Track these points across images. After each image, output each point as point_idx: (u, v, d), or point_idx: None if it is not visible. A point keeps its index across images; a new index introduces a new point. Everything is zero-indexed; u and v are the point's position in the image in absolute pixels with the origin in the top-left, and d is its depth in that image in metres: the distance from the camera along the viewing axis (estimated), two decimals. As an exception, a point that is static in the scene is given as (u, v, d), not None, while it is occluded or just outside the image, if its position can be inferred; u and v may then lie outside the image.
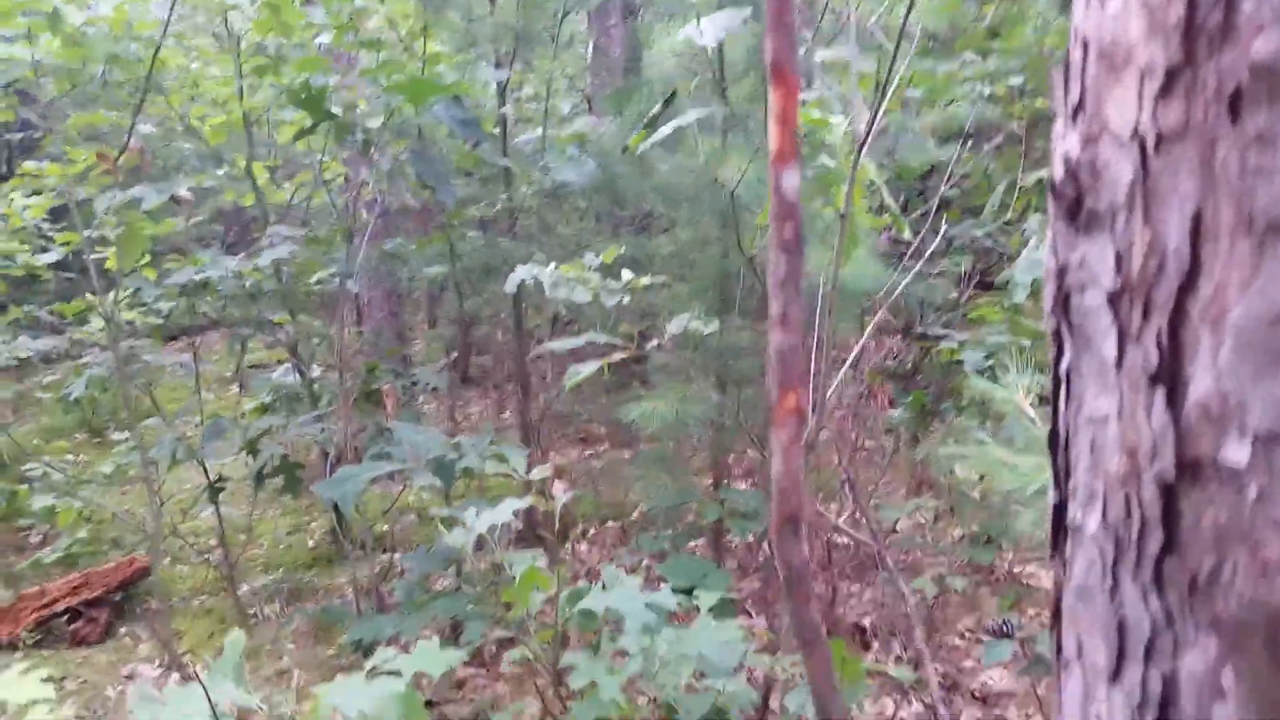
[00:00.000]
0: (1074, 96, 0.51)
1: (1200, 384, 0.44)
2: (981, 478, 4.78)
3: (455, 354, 5.12)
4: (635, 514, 4.51)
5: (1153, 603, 0.47)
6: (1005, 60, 3.19)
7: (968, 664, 3.73)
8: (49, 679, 3.75)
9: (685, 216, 3.36)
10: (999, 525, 3.83)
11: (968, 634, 3.82)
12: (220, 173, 4.33)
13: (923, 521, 4.32)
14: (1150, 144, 0.45)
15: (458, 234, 3.42)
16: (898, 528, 4.35)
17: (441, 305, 5.14)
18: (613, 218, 4.32)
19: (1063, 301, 0.52)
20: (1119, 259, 0.47)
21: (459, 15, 3.98)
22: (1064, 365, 0.55)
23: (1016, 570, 4.14)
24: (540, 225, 3.85)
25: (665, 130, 2.09)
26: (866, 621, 3.76)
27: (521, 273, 2.15)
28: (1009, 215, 3.52)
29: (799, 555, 0.59)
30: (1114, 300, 0.48)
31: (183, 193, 2.66)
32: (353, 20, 3.25)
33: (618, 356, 1.98)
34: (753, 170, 2.89)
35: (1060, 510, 0.57)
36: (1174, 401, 0.45)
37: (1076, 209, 0.50)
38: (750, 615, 3.73)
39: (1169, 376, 0.45)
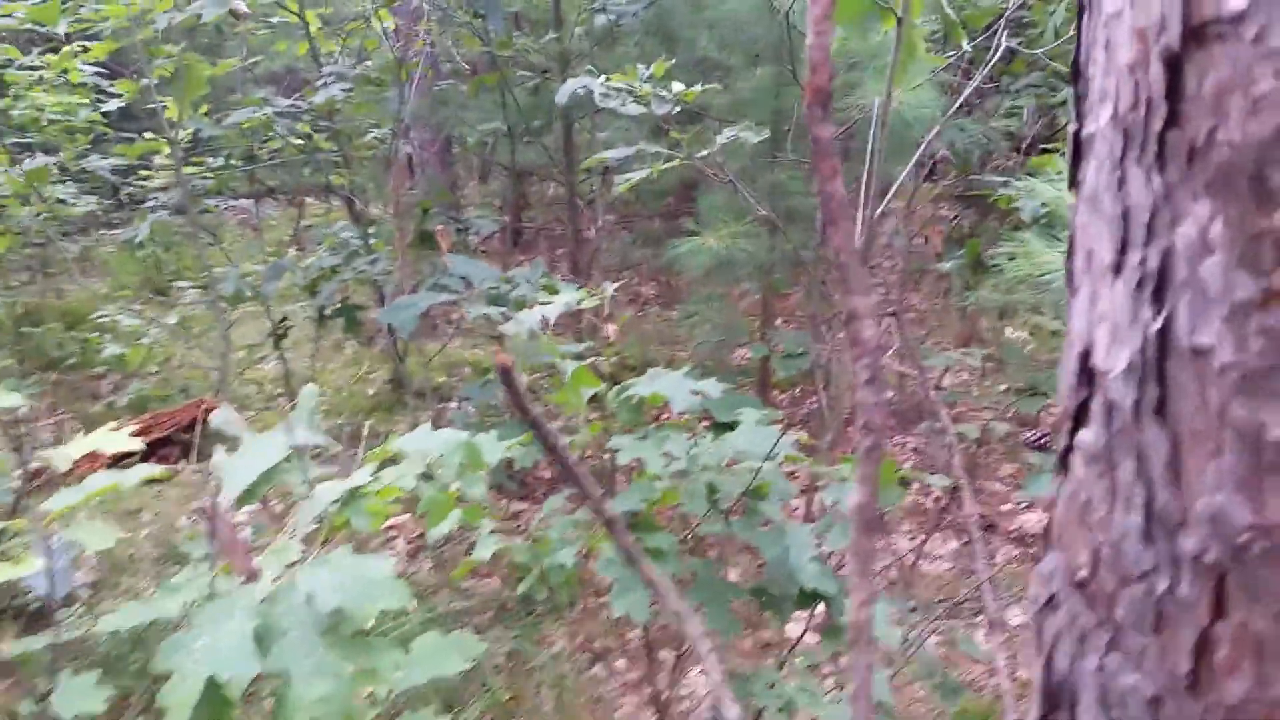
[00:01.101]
0: None
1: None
2: (1031, 333, 4.76)
3: (508, 209, 5.17)
4: (686, 365, 4.59)
5: (1155, 181, 0.51)
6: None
7: (1005, 508, 3.81)
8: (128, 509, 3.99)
9: (740, 55, 3.31)
10: (1045, 379, 3.84)
11: (1009, 479, 3.88)
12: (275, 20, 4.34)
13: (969, 377, 4.34)
14: None
15: (511, 75, 3.41)
16: (944, 382, 4.39)
17: (494, 158, 5.16)
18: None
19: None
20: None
21: None
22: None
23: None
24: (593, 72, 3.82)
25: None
26: (908, 465, 3.84)
27: (572, 84, 2.17)
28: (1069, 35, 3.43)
29: (827, 130, 0.63)
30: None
31: (240, 5, 2.69)
32: None
33: (669, 165, 2.01)
34: None
35: (1078, 138, 0.60)
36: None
37: None
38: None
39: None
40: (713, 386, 1.71)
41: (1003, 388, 4.45)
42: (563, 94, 2.19)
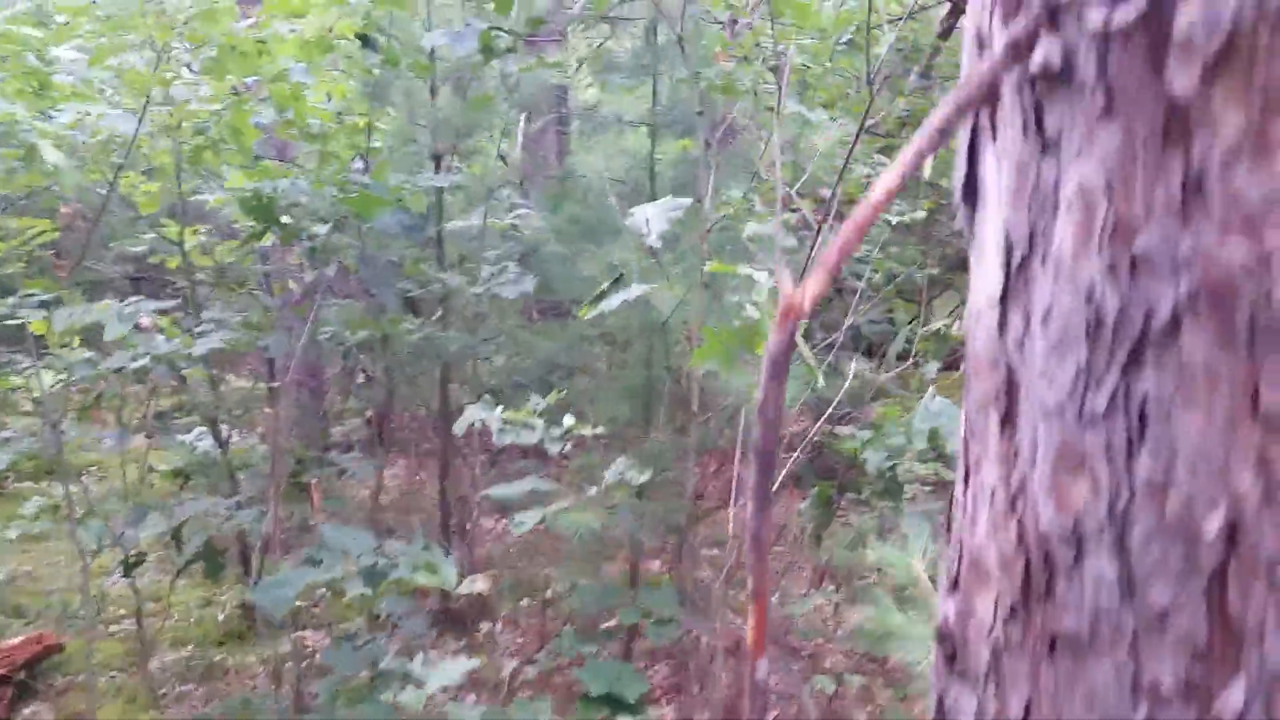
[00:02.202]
0: (952, 573, 0.70)
1: None
2: (879, 570, 5.04)
3: (377, 424, 5.19)
4: (550, 593, 4.64)
5: None
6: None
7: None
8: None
9: (616, 322, 3.55)
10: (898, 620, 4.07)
11: (864, 728, 4.04)
12: (148, 237, 4.38)
13: (824, 616, 4.55)
14: (1000, 647, 0.64)
15: (393, 324, 3.54)
16: (800, 619, 4.57)
17: (361, 370, 5.23)
18: (542, 306, 4.49)
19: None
20: (979, 712, 0.66)
21: (400, 104, 4.13)
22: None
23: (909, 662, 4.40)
24: (474, 314, 3.99)
25: (614, 302, 2.27)
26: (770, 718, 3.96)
27: (471, 415, 2.30)
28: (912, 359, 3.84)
29: (766, 483, 0.76)
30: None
31: (145, 321, 2.73)
32: (298, 114, 3.36)
33: (559, 507, 2.14)
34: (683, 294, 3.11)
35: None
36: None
37: (952, 659, 0.69)
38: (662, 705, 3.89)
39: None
40: None
41: (856, 621, 4.68)
42: (460, 425, 2.33)
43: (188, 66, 2.76)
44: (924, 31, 6.56)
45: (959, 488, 0.72)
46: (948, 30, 7.39)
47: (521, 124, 4.59)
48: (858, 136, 2.59)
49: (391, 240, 3.51)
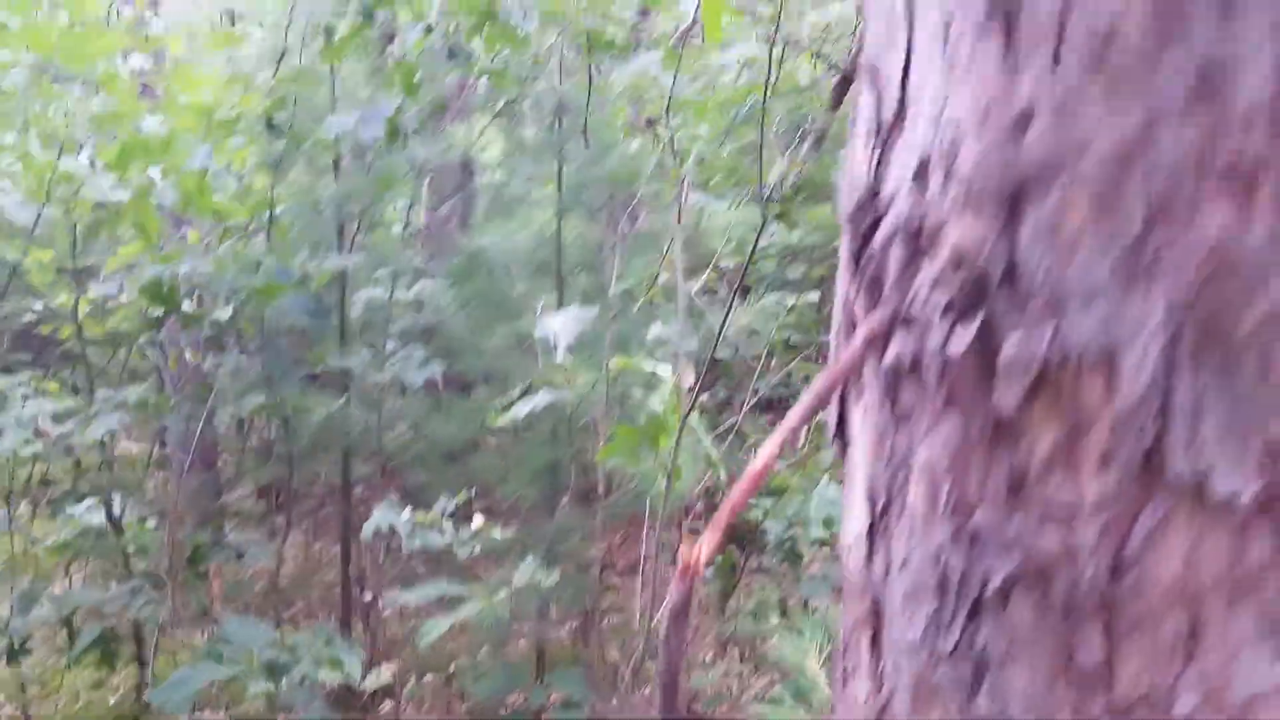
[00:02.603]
0: None
1: None
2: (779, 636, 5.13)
3: (276, 496, 5.10)
4: (454, 669, 4.60)
5: None
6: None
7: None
8: None
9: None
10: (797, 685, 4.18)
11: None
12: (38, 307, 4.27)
13: (729, 687, 4.62)
14: None
15: (296, 408, 3.52)
16: (707, 688, 4.64)
17: (257, 438, 5.14)
18: (448, 378, 4.51)
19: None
20: None
21: (304, 178, 4.13)
22: None
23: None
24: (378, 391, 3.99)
25: (523, 410, 2.34)
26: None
27: (378, 518, 2.32)
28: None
29: None
30: None
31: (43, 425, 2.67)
32: (202, 204, 3.35)
33: (467, 611, 2.18)
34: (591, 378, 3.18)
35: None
36: None
37: None
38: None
39: None
40: None
41: (764, 685, 4.77)
42: (367, 529, 2.34)
43: (90, 162, 2.74)
44: (816, 101, 6.84)
45: (836, 687, 0.81)
46: (838, 100, 7.73)
47: (424, 197, 4.63)
48: (761, 231, 2.72)
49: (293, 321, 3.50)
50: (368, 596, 3.49)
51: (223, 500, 4.26)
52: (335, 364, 3.11)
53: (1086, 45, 0.54)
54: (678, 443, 2.39)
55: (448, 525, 2.24)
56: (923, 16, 0.63)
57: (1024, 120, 0.56)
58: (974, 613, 0.64)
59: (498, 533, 2.25)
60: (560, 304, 3.77)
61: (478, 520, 2.27)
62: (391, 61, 3.98)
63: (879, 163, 0.66)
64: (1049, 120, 0.55)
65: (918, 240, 0.62)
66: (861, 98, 0.69)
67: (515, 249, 4.02)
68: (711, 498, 4.95)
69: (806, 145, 6.31)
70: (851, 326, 0.71)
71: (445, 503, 2.28)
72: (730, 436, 3.72)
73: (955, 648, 0.65)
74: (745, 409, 3.87)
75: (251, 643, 2.92)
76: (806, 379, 5.49)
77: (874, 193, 0.67)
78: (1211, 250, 0.53)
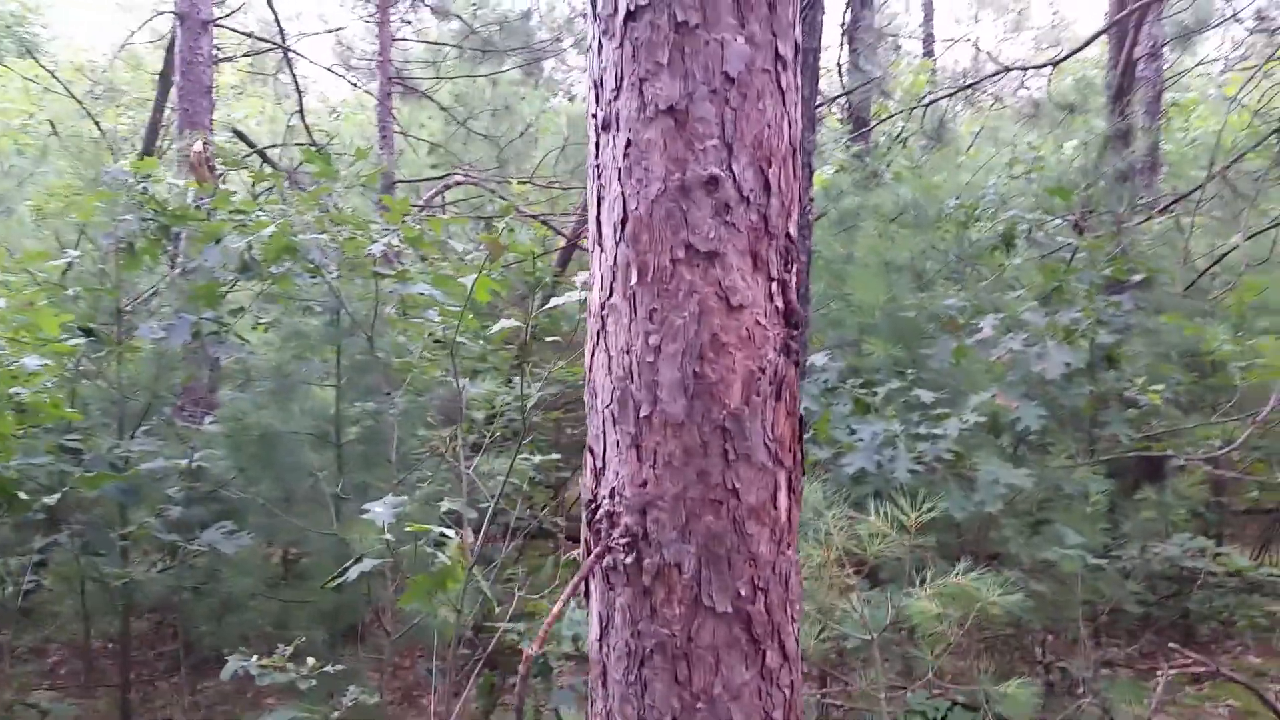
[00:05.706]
0: None
1: None
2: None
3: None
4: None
5: None
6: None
7: None
8: None
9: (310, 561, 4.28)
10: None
11: None
12: None
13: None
14: None
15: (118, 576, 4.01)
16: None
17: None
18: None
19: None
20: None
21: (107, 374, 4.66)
22: None
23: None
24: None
25: (354, 574, 3.11)
26: None
27: (234, 664, 2.96)
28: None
29: None
30: None
31: None
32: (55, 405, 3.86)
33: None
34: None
35: None
36: None
37: None
38: None
39: None
40: None
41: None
42: (227, 671, 2.98)
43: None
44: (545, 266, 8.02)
45: None
46: (565, 261, 9.03)
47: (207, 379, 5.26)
48: (522, 437, 3.68)
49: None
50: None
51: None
52: (160, 535, 3.70)
53: (661, 451, 1.57)
54: (464, 588, 3.26)
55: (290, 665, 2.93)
56: (610, 431, 1.64)
57: (645, 483, 1.58)
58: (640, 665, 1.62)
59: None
60: (340, 470, 4.56)
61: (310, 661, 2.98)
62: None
63: (596, 485, 1.66)
64: (653, 485, 1.58)
65: (611, 519, 1.62)
66: (586, 458, 1.69)
67: (295, 424, 4.72)
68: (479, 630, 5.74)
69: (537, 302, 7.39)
70: (588, 550, 1.70)
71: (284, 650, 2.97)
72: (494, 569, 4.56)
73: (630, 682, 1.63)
74: (507, 546, 4.74)
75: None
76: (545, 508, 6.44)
77: (594, 496, 1.66)
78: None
